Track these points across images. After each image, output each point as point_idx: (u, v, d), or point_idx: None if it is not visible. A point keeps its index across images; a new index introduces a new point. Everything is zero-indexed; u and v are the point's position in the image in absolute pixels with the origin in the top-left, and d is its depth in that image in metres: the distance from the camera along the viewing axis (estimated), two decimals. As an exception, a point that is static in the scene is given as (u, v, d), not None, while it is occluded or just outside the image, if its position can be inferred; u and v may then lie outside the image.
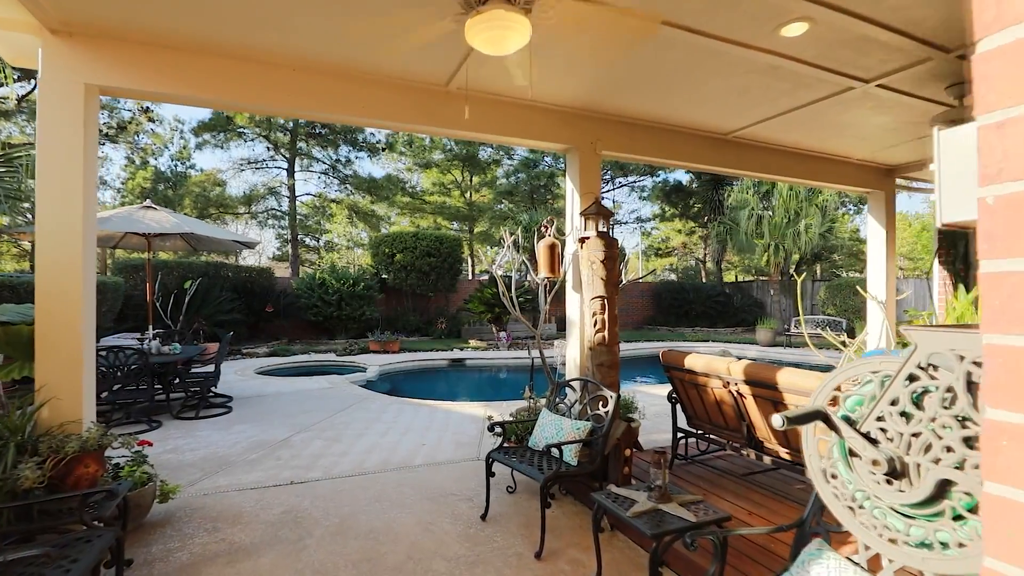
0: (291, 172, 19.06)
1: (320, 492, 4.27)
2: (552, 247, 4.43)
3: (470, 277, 23.87)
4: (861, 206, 25.79)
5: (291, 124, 17.87)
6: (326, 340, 15.33)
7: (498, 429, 3.91)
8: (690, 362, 4.26)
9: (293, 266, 19.21)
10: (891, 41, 3.21)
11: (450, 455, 5.25)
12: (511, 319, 16.28)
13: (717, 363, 3.99)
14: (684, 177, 24.79)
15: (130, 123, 18.80)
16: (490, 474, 3.77)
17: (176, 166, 23.46)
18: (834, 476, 1.68)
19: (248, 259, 31.54)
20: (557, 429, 3.73)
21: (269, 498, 4.16)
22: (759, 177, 6.03)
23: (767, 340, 15.82)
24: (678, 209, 25.17)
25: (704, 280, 28.15)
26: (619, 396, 3.68)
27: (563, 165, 22.25)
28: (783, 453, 3.77)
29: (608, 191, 25.98)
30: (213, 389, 7.73)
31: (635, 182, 23.19)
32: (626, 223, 26.25)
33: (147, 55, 3.23)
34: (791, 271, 21.94)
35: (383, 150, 20.24)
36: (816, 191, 17.37)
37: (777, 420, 1.48)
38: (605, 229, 4.30)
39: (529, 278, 5.23)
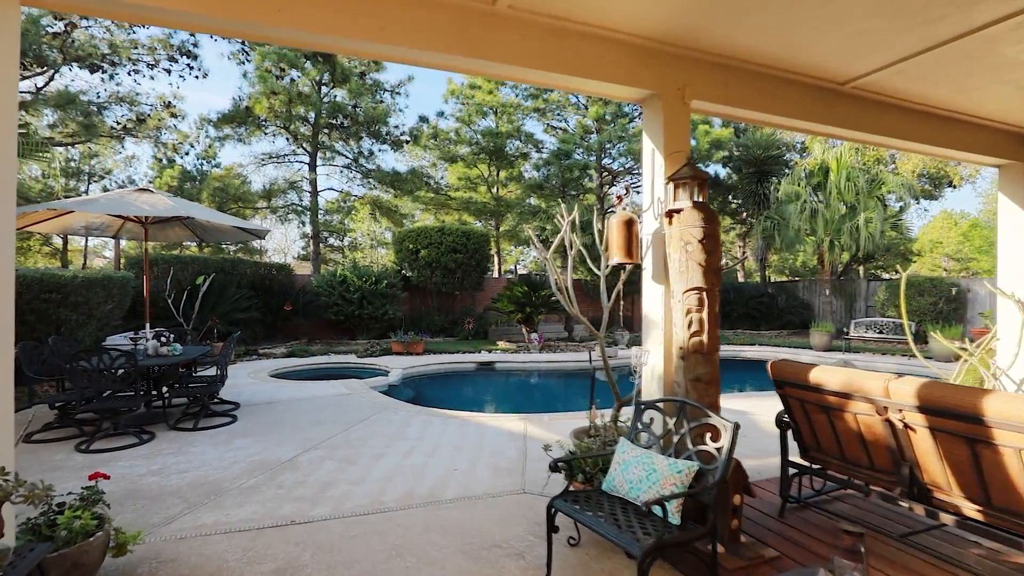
0: (312, 166, 18.35)
1: (326, 538, 3.30)
2: (629, 223, 3.39)
3: (496, 275, 22.92)
4: (921, 200, 23.96)
5: (312, 115, 17.17)
6: (347, 340, 14.55)
7: (562, 464, 2.88)
8: (818, 377, 3.16)
9: (315, 263, 18.49)
10: None
11: (488, 485, 4.24)
12: (543, 320, 15.24)
13: (866, 381, 2.88)
14: (722, 171, 23.38)
15: (150, 117, 18.40)
16: (553, 529, 2.75)
17: (202, 165, 23.18)
18: None
19: (274, 257, 31.26)
20: (647, 470, 2.68)
21: (261, 546, 3.21)
22: (870, 142, 4.87)
23: (822, 344, 14.41)
24: (715, 205, 23.77)
25: (740, 280, 26.67)
26: (737, 426, 2.61)
27: (595, 157, 21.09)
28: (969, 509, 2.65)
29: (638, 186, 24.66)
30: (219, 396, 6.90)
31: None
32: (661, 219, 24.85)
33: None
34: (839, 270, 20.39)
35: (407, 142, 19.39)
36: (877, 182, 15.87)
37: None
38: (702, 199, 3.24)
39: (556, 276, 4.16)
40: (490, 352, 13.04)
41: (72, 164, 23.97)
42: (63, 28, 12.54)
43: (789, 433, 3.60)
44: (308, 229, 20.99)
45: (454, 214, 23.41)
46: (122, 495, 3.92)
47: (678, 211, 3.23)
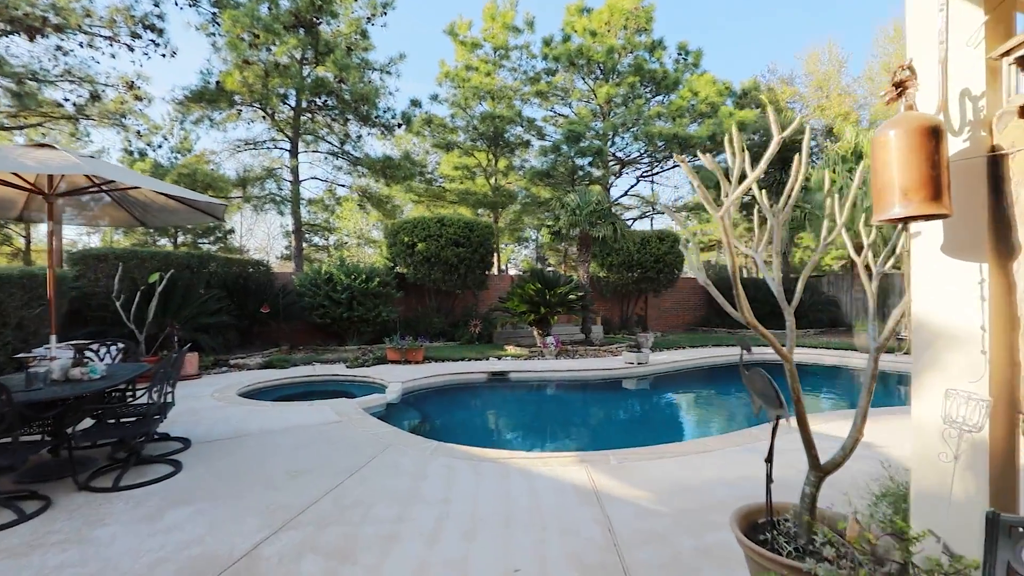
0: (294, 152, 16.42)
1: None
2: (935, 134, 1.68)
3: (496, 272, 21.19)
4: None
5: (293, 93, 15.24)
6: (334, 347, 12.72)
7: None
8: None
9: (297, 260, 16.59)
10: None
11: (580, 607, 2.50)
12: (557, 321, 13.50)
13: None
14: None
15: (113, 101, 16.38)
16: None
17: (176, 158, 21.15)
18: None
19: (256, 256, 29.12)
20: None
21: None
22: None
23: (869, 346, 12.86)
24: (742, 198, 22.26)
25: (750, 276, 25.28)
26: None
27: (612, 143, 19.35)
28: None
29: (650, 173, 23.09)
30: (158, 432, 5.09)
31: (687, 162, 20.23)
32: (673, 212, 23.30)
33: None
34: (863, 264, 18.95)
35: (399, 126, 17.49)
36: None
37: None
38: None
39: (731, 260, 2.42)
40: (500, 359, 11.32)
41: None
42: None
43: None
44: (290, 224, 19.07)
45: (450, 207, 21.60)
46: (-80, 665, 2.13)
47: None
